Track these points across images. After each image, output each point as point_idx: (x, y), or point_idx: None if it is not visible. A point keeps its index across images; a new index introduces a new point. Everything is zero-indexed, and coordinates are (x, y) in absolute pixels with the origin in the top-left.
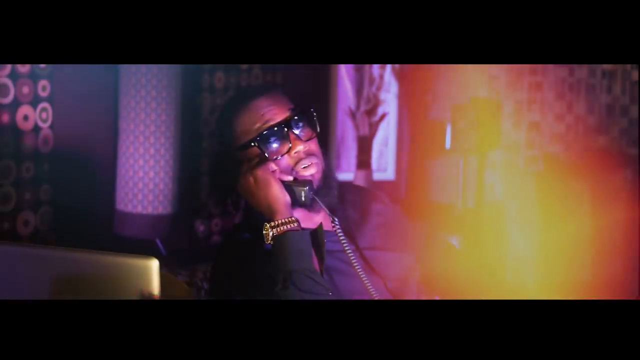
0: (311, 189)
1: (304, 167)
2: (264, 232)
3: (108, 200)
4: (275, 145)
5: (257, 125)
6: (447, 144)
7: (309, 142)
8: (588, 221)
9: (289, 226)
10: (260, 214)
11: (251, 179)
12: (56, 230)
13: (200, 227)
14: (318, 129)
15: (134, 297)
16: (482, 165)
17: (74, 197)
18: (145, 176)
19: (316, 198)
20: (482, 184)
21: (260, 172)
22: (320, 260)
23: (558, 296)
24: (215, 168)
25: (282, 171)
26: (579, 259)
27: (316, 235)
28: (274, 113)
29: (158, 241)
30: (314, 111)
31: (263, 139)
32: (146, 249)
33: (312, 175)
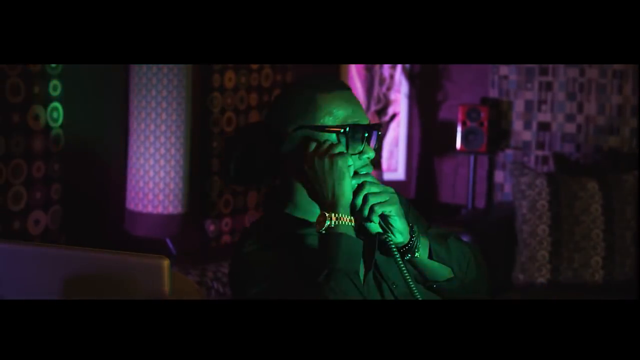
0: None
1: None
2: (320, 218)
3: (118, 199)
4: (357, 143)
5: (345, 115)
6: (458, 144)
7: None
8: (599, 221)
9: (346, 223)
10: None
11: (327, 163)
12: (67, 229)
13: (211, 227)
14: (378, 145)
15: (145, 297)
16: (492, 165)
17: (84, 196)
18: (155, 176)
19: None
20: (493, 184)
21: (341, 161)
22: (367, 268)
23: (568, 296)
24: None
25: None
26: (589, 259)
27: (370, 243)
28: (359, 113)
29: (168, 241)
30: (380, 128)
31: (352, 132)
32: (156, 249)
33: None
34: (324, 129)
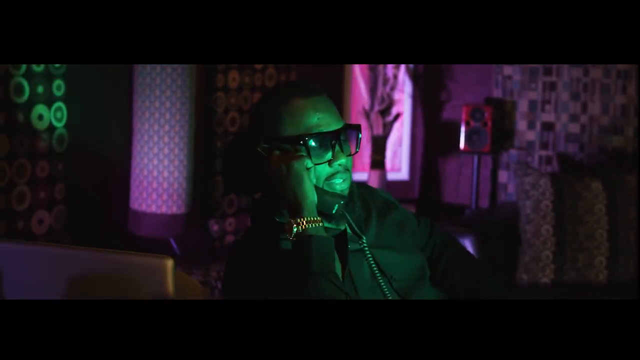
0: (344, 204)
1: (340, 182)
2: (286, 226)
3: (122, 199)
4: (321, 151)
5: (309, 124)
6: (461, 144)
7: (349, 157)
8: (603, 221)
9: (314, 225)
10: (276, 208)
11: (284, 169)
12: (71, 229)
13: (214, 227)
14: (359, 148)
15: (149, 297)
16: (496, 165)
17: (88, 196)
18: (159, 176)
19: (347, 215)
20: (496, 184)
21: (296, 165)
22: (343, 265)
23: (571, 296)
24: (240, 147)
25: (317, 177)
26: (593, 259)
27: (340, 240)
28: (327, 120)
29: (172, 241)
30: (359, 129)
31: (314, 142)
32: (160, 249)
33: (342, 190)
34: (286, 141)
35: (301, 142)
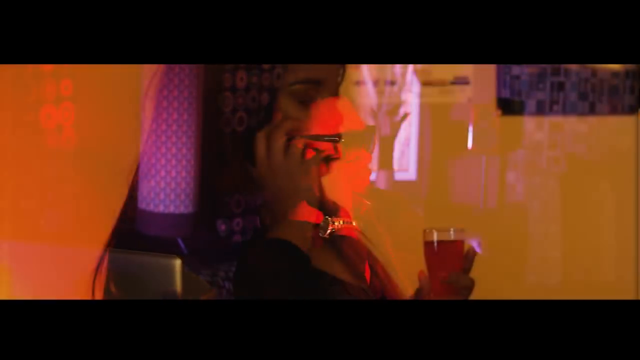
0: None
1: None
2: (322, 223)
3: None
4: (353, 148)
5: (336, 122)
6: (469, 144)
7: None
8: (611, 222)
9: (348, 224)
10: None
11: (325, 169)
12: None
13: (222, 227)
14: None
15: (156, 297)
16: (504, 165)
17: None
18: (167, 175)
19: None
20: (504, 185)
21: (334, 165)
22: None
23: (579, 297)
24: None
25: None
26: (601, 260)
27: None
28: (354, 119)
29: (179, 240)
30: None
31: (348, 139)
32: (167, 248)
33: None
34: (319, 139)
35: (336, 139)
